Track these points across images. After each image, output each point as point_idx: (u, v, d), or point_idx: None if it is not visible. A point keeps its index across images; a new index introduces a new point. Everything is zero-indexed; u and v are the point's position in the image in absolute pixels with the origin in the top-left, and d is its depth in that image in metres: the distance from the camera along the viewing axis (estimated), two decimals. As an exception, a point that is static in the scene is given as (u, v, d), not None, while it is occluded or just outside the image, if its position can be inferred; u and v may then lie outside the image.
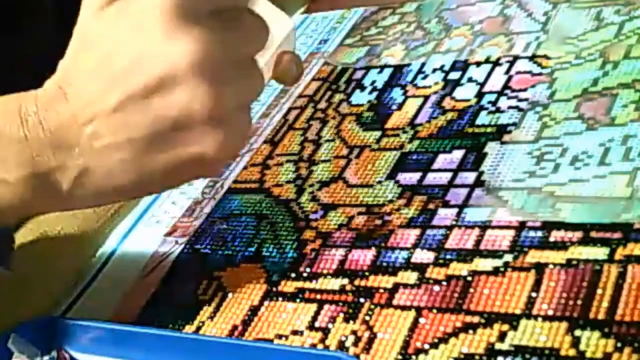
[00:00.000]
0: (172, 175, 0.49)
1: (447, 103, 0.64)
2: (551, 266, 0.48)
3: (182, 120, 0.47)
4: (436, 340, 0.47)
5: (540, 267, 0.49)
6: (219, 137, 0.48)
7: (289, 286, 0.55)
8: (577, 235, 0.49)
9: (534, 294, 0.47)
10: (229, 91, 0.47)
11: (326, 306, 0.52)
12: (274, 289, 0.55)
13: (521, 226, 0.52)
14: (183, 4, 0.46)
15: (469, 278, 0.50)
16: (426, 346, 0.47)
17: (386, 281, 0.52)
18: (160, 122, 0.47)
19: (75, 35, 0.49)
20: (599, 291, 0.46)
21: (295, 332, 0.52)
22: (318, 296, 0.53)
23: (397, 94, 0.67)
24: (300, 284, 0.54)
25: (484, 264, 0.50)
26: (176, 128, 0.47)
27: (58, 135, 0.47)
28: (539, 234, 0.51)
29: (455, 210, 0.55)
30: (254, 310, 0.54)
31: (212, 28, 0.46)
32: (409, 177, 0.59)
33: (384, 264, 0.53)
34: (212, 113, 0.47)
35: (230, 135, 0.48)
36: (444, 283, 0.50)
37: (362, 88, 0.70)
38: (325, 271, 0.54)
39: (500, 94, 0.63)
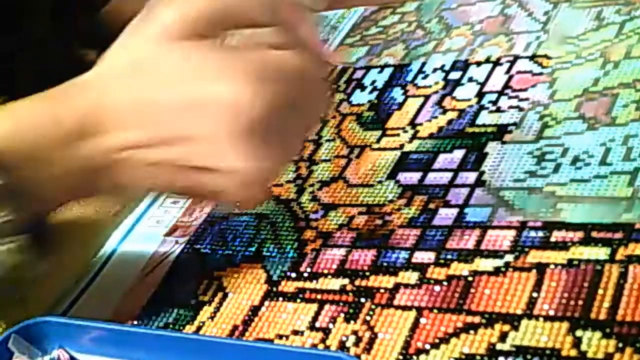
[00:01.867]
0: (192, 194, 0.54)
1: (448, 103, 0.64)
2: (552, 266, 0.48)
3: (210, 168, 0.50)
4: (437, 341, 0.47)
5: (541, 267, 0.49)
6: (238, 187, 0.50)
7: (289, 286, 0.55)
8: (578, 235, 0.49)
9: (535, 294, 0.47)
10: (261, 155, 0.49)
11: (327, 306, 0.52)
12: (274, 289, 0.55)
13: (522, 226, 0.52)
14: (250, 63, 0.48)
15: (470, 278, 0.50)
16: (427, 346, 0.47)
17: (387, 281, 0.52)
18: (185, 166, 0.50)
19: (125, 54, 0.51)
20: (600, 291, 0.46)
21: (295, 332, 0.51)
22: (319, 296, 0.53)
23: (397, 93, 0.67)
24: (300, 284, 0.54)
25: (484, 264, 0.50)
26: (201, 172, 0.50)
27: (92, 162, 0.50)
28: (540, 234, 0.51)
29: (456, 210, 0.55)
30: (254, 310, 0.54)
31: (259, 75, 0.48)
32: (410, 177, 0.59)
33: (385, 264, 0.53)
34: (252, 174, 0.49)
35: (251, 187, 0.51)
36: (445, 283, 0.50)
37: (363, 88, 0.70)
38: (325, 271, 0.54)
39: (500, 93, 0.63)
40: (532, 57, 0.65)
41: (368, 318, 0.50)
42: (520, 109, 0.60)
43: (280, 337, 0.52)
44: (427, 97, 0.65)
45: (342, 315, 0.51)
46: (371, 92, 0.69)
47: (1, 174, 0.49)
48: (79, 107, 0.50)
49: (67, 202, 0.56)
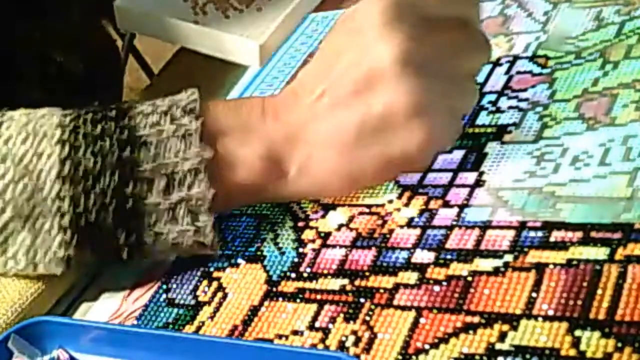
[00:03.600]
0: (382, 170, 0.55)
1: (447, 103, 0.64)
2: (551, 266, 0.48)
3: (387, 115, 0.53)
4: (436, 341, 0.47)
5: (540, 267, 0.49)
6: (423, 134, 0.53)
7: (289, 286, 0.55)
8: (578, 235, 0.49)
9: (534, 294, 0.47)
10: (432, 87, 0.53)
11: (326, 306, 0.52)
12: (274, 289, 0.55)
13: (521, 226, 0.52)
14: (399, 10, 0.53)
15: (469, 278, 0.50)
16: (426, 346, 0.47)
17: (386, 281, 0.52)
18: (367, 119, 0.53)
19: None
20: (599, 291, 0.46)
21: (295, 332, 0.52)
22: (318, 296, 0.53)
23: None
24: (300, 284, 0.54)
25: (484, 264, 0.50)
26: (382, 125, 0.53)
27: (289, 129, 0.55)
28: (539, 234, 0.51)
29: (456, 210, 0.55)
30: (254, 310, 0.54)
31: (422, 31, 0.53)
32: (409, 177, 0.59)
33: (384, 264, 0.53)
34: (416, 108, 0.52)
35: (436, 130, 0.54)
36: (444, 283, 0.50)
37: (362, 88, 0.70)
38: (325, 271, 0.54)
39: (500, 94, 0.63)
40: (532, 58, 0.65)
41: (367, 318, 0.50)
42: (520, 109, 0.60)
43: (280, 337, 0.52)
44: (427, 97, 0.65)
45: (342, 315, 0.51)
46: (371, 92, 0.69)
47: (213, 141, 0.55)
48: (279, 96, 0.58)
49: (255, 197, 0.59)
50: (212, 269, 0.58)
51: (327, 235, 0.57)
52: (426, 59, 0.53)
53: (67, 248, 0.55)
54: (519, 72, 0.64)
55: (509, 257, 0.50)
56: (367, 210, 0.58)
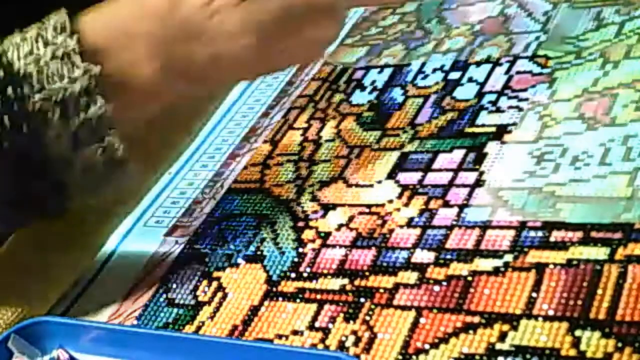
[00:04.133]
0: (291, 57, 0.57)
1: (447, 103, 0.64)
2: (551, 266, 0.48)
3: (306, 4, 0.54)
4: (436, 340, 0.47)
5: (540, 267, 0.49)
6: (338, 23, 0.56)
7: (289, 286, 0.55)
8: (578, 235, 0.49)
9: (534, 294, 0.47)
10: None
11: (326, 306, 0.52)
12: (274, 289, 0.55)
13: (521, 226, 0.52)
14: None
15: (470, 278, 0.50)
16: (426, 346, 0.47)
17: (386, 281, 0.52)
18: (287, 6, 0.53)
19: None
20: (600, 291, 0.46)
21: (295, 332, 0.52)
22: (318, 296, 0.53)
23: (397, 93, 0.67)
24: (300, 284, 0.54)
25: (484, 264, 0.50)
26: (301, 13, 0.54)
27: (185, 27, 0.52)
28: (540, 234, 0.51)
29: (456, 210, 0.55)
30: (254, 310, 0.54)
31: None
32: (409, 177, 0.59)
33: (384, 264, 0.53)
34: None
35: (340, 23, 0.57)
36: (444, 283, 0.50)
37: (362, 88, 0.70)
38: (325, 271, 0.54)
39: (500, 93, 0.63)
40: (532, 57, 0.65)
41: (367, 318, 0.50)
42: (520, 109, 0.60)
43: (279, 337, 0.52)
44: (426, 98, 0.65)
45: (342, 315, 0.51)
46: (371, 92, 0.69)
47: (97, 59, 0.51)
48: None
49: (166, 96, 0.56)
50: (212, 269, 0.58)
51: (327, 235, 0.57)
52: None
53: None
54: (519, 72, 0.64)
55: (509, 257, 0.50)
56: (367, 210, 0.58)
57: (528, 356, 0.44)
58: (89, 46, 0.52)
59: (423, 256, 0.52)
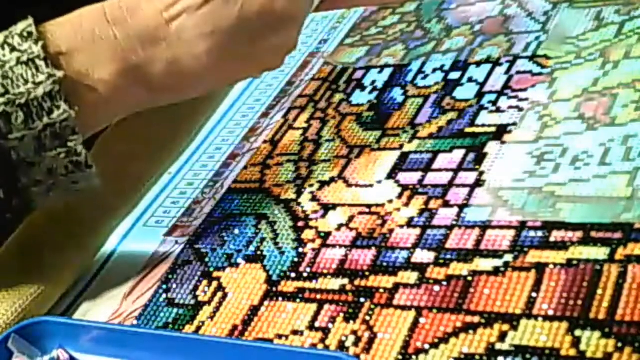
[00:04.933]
0: (251, 65, 0.57)
1: (447, 103, 0.64)
2: (551, 266, 0.48)
3: (266, 12, 0.54)
4: (436, 341, 0.47)
5: (540, 267, 0.49)
6: (297, 32, 0.56)
7: (289, 286, 0.55)
8: (578, 235, 0.49)
9: (534, 294, 0.47)
10: None
11: (326, 306, 0.52)
12: (274, 289, 0.55)
13: (521, 226, 0.52)
14: None
15: (469, 278, 0.50)
16: (426, 346, 0.47)
17: (386, 281, 0.52)
18: (247, 13, 0.53)
19: None
20: (600, 291, 0.46)
21: (295, 332, 0.52)
22: (318, 296, 0.53)
23: (397, 93, 0.67)
24: (300, 284, 0.54)
25: (484, 264, 0.50)
26: (260, 20, 0.54)
27: (145, 32, 0.53)
28: (540, 234, 0.51)
29: (456, 210, 0.55)
30: (254, 310, 0.54)
31: None
32: (409, 177, 0.59)
33: (384, 264, 0.53)
34: (291, 8, 0.55)
35: (298, 32, 0.57)
36: (444, 283, 0.50)
37: (362, 88, 0.70)
38: (325, 271, 0.54)
39: (500, 93, 0.63)
40: (532, 57, 0.65)
41: (367, 318, 0.50)
42: (520, 109, 0.60)
43: (279, 337, 0.52)
44: (426, 98, 0.65)
45: (342, 315, 0.51)
46: (371, 92, 0.69)
47: (60, 64, 0.52)
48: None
49: (122, 109, 0.57)
50: (212, 269, 0.58)
51: (327, 235, 0.57)
52: None
53: None
54: (519, 72, 0.64)
55: (509, 257, 0.50)
56: (367, 210, 0.58)
57: (528, 356, 0.44)
58: (53, 51, 0.53)
59: (423, 256, 0.52)
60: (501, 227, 0.52)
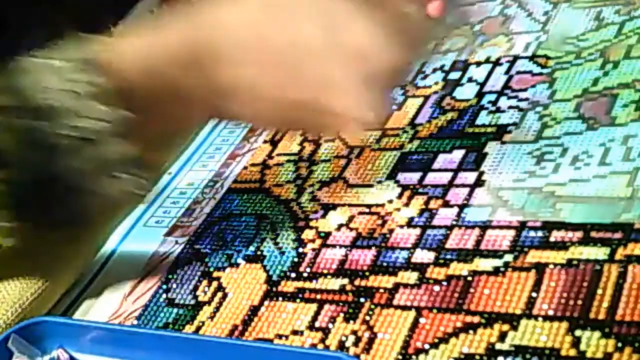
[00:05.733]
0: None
1: (447, 103, 0.64)
2: (551, 266, 0.48)
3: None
4: (436, 340, 0.47)
5: (540, 267, 0.49)
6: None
7: (289, 286, 0.55)
8: (578, 235, 0.49)
9: (534, 294, 0.47)
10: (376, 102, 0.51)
11: (326, 306, 0.52)
12: (274, 289, 0.55)
13: (521, 226, 0.52)
14: None
15: (469, 278, 0.50)
16: (426, 346, 0.47)
17: (386, 281, 0.52)
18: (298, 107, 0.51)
19: None
20: (600, 291, 0.46)
21: (295, 332, 0.52)
22: (318, 296, 0.53)
23: (397, 93, 0.67)
24: (300, 284, 0.54)
25: (484, 264, 0.50)
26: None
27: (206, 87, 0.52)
28: (540, 234, 0.51)
29: (456, 210, 0.55)
30: (254, 310, 0.54)
31: None
32: (409, 177, 0.59)
33: (384, 264, 0.53)
34: None
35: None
36: (444, 283, 0.50)
37: (362, 88, 0.70)
38: (325, 271, 0.54)
39: (500, 93, 0.63)
40: (532, 57, 0.65)
41: (367, 318, 0.50)
42: (520, 109, 0.60)
43: (279, 337, 0.52)
44: (426, 98, 0.65)
45: (342, 315, 0.51)
46: (371, 92, 0.69)
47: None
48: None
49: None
50: (212, 269, 0.58)
51: (327, 235, 0.57)
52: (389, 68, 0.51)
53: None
54: (519, 72, 0.64)
55: (509, 257, 0.50)
56: (367, 210, 0.58)
57: (528, 356, 0.44)
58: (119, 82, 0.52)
59: (423, 256, 0.52)
60: (501, 227, 0.52)
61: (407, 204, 0.57)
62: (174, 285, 0.58)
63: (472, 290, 0.49)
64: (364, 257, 0.54)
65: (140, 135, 0.53)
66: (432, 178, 0.58)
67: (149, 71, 0.52)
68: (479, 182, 0.56)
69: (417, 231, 0.54)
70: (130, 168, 0.52)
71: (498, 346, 0.46)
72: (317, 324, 0.51)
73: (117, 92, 0.51)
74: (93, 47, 0.52)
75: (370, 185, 0.59)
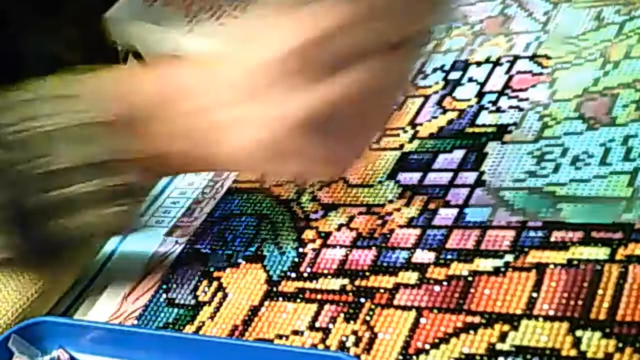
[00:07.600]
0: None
1: (448, 103, 0.64)
2: (552, 266, 0.48)
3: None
4: (437, 341, 0.47)
5: (541, 267, 0.49)
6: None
7: (289, 286, 0.55)
8: (578, 235, 0.49)
9: (534, 294, 0.47)
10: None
11: (327, 306, 0.52)
12: (274, 289, 0.55)
13: (522, 226, 0.52)
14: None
15: (470, 278, 0.50)
16: (427, 346, 0.47)
17: (387, 281, 0.52)
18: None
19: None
20: (600, 291, 0.46)
21: (295, 332, 0.51)
22: (318, 296, 0.53)
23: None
24: (300, 284, 0.54)
25: (484, 264, 0.50)
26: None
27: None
28: (540, 234, 0.51)
29: (456, 210, 0.55)
30: (254, 310, 0.54)
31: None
32: (409, 177, 0.59)
33: (385, 264, 0.53)
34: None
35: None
36: (445, 283, 0.50)
37: (362, 88, 0.70)
38: (325, 271, 0.54)
39: (500, 93, 0.63)
40: (532, 57, 0.65)
41: (368, 318, 0.50)
42: (520, 109, 0.60)
43: (280, 337, 0.52)
44: (427, 97, 0.65)
45: (342, 315, 0.51)
46: (371, 92, 0.69)
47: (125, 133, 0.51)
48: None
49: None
50: (212, 269, 0.58)
51: (327, 235, 0.57)
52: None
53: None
54: (519, 72, 0.64)
55: (509, 257, 0.50)
56: (367, 210, 0.58)
57: (528, 356, 0.44)
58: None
59: (423, 256, 0.52)
60: (501, 227, 0.52)
61: (407, 204, 0.57)
62: (174, 285, 0.58)
63: (472, 290, 0.49)
64: (364, 257, 0.54)
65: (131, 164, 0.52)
66: (432, 178, 0.58)
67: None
68: (479, 182, 0.56)
69: (418, 231, 0.54)
70: (111, 199, 0.52)
71: (498, 346, 0.46)
72: (317, 324, 0.51)
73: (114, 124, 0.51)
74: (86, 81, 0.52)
75: (371, 185, 0.59)
